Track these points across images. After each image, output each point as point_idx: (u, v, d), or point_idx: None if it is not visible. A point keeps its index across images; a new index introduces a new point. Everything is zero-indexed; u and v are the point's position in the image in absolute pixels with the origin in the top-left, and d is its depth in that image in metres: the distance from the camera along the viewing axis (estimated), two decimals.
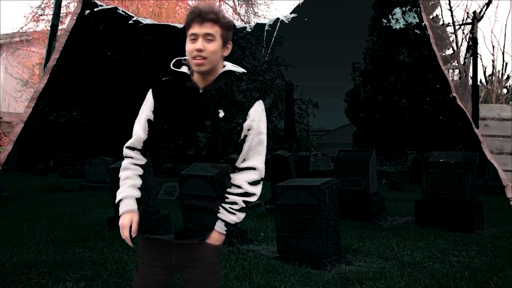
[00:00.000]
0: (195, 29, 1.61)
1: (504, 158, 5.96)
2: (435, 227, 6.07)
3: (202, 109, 1.78)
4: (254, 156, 1.68)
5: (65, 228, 5.79)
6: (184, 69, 1.72)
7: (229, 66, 1.72)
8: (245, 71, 1.75)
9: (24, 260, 3.97)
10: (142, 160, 1.75)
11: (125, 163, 1.73)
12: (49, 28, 6.77)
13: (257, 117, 1.69)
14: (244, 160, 1.69)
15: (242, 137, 1.68)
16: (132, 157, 1.73)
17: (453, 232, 5.82)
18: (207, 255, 1.69)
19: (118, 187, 1.69)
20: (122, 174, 1.72)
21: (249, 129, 1.68)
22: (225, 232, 1.67)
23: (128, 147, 1.74)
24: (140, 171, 1.74)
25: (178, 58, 1.73)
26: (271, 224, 5.97)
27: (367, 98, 21.48)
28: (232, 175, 1.69)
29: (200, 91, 1.70)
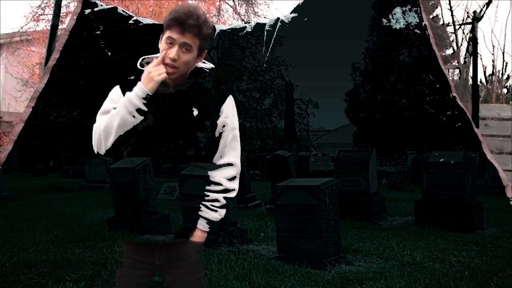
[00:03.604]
0: (174, 35, 1.50)
1: (504, 158, 5.97)
2: (435, 227, 6.07)
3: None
4: (230, 152, 1.70)
5: (65, 228, 5.79)
6: None
7: (199, 63, 1.66)
8: (213, 66, 1.71)
9: (24, 260, 3.97)
10: None
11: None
12: (49, 28, 6.78)
13: (230, 112, 1.69)
14: (221, 157, 1.70)
15: (217, 134, 1.70)
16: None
17: (453, 232, 5.82)
18: (190, 254, 1.70)
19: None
20: (105, 118, 1.58)
21: (223, 126, 1.69)
22: (207, 230, 1.69)
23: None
24: None
25: (145, 56, 1.65)
26: (271, 224, 5.97)
27: (367, 98, 21.50)
28: (210, 173, 1.70)
29: (171, 92, 1.63)
